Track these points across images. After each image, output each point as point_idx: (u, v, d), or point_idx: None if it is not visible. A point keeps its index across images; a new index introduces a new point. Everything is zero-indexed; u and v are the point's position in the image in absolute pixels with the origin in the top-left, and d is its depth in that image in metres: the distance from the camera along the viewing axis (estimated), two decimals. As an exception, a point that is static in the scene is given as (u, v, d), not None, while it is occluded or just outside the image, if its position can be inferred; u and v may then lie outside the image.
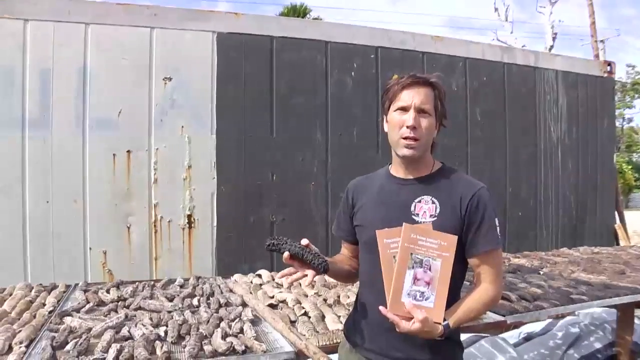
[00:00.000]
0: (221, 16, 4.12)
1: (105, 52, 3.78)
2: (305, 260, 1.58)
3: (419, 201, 1.65)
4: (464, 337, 1.79)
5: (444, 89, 1.68)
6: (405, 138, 1.63)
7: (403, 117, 1.63)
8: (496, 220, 1.64)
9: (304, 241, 1.61)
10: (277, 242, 1.59)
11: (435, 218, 1.61)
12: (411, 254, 1.53)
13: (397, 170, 1.73)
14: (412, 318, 1.50)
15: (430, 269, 1.54)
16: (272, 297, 2.79)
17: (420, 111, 1.62)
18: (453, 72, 4.94)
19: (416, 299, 1.53)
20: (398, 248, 1.54)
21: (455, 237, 1.55)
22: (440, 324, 1.53)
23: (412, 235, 1.54)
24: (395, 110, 1.65)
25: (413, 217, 1.62)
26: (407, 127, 1.61)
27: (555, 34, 21.66)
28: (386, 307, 1.53)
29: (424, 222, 1.61)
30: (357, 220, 1.78)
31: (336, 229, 1.92)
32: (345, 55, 4.48)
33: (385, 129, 1.73)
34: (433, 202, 1.63)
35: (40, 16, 3.64)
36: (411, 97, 1.62)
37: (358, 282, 1.85)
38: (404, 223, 1.55)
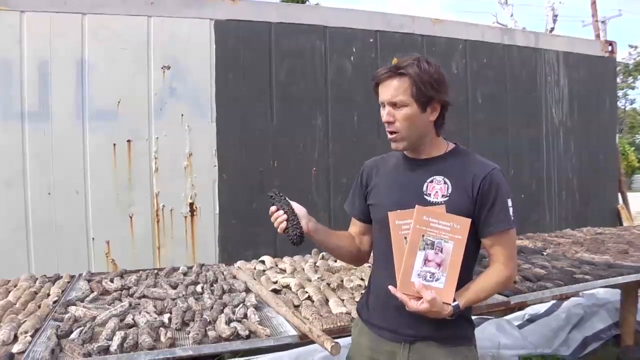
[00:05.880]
0: (218, 3, 4.08)
1: (103, 42, 3.76)
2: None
3: (431, 181, 1.64)
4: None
5: (427, 67, 1.60)
6: (389, 132, 1.66)
7: (382, 112, 1.65)
8: (509, 201, 1.63)
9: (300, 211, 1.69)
10: (274, 199, 1.70)
11: (447, 198, 1.61)
12: (423, 235, 1.55)
13: (410, 151, 1.73)
14: (421, 298, 1.52)
15: (441, 251, 1.55)
16: (276, 282, 2.79)
17: (393, 105, 1.62)
18: (453, 54, 4.91)
19: (426, 279, 1.55)
20: (409, 230, 1.56)
21: (469, 220, 1.56)
22: (449, 304, 1.55)
23: (425, 218, 1.55)
24: (381, 106, 1.67)
25: (425, 197, 1.63)
26: (384, 122, 1.65)
27: (556, 15, 21.43)
28: (396, 287, 1.55)
29: (435, 202, 1.61)
30: (370, 199, 1.79)
31: (350, 207, 1.91)
32: (344, 40, 4.45)
33: None
34: (445, 182, 1.63)
35: (37, 7, 3.63)
36: (383, 92, 1.63)
37: (362, 264, 1.86)
38: (416, 205, 1.56)
